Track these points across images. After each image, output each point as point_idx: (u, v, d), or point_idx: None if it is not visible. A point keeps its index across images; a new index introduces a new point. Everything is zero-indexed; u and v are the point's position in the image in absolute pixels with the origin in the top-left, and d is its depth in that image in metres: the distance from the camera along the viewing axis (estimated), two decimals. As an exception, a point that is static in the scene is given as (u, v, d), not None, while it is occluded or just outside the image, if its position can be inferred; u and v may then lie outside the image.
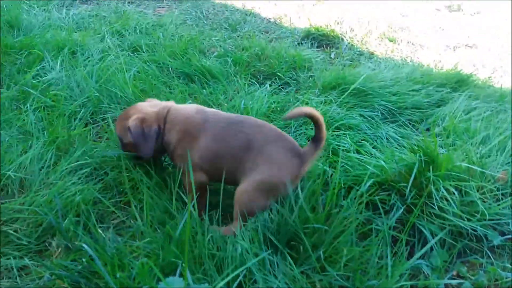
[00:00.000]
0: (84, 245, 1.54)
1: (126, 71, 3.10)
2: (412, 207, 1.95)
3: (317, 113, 1.86)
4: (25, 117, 2.54)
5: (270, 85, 3.30)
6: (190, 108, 2.09)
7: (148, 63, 3.39)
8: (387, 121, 2.87)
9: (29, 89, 2.78)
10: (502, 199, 2.06)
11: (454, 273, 1.86)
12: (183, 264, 1.40)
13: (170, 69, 3.37)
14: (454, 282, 1.78)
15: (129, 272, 1.50)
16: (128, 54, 3.57)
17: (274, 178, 1.85)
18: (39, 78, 3.03)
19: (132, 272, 1.51)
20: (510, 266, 1.86)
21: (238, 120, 1.99)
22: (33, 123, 2.48)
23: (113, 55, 3.43)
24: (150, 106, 2.09)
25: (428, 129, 2.81)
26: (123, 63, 3.18)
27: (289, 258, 1.65)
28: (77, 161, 2.21)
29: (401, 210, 1.92)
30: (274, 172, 1.86)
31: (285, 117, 2.01)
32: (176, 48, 3.63)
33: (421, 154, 2.06)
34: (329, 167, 2.21)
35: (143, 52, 3.64)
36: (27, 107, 2.64)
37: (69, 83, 2.93)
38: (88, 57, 3.42)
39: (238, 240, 1.64)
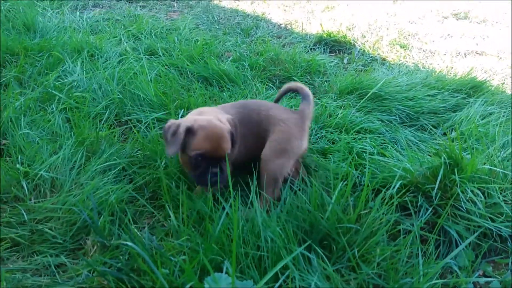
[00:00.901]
0: (126, 242, 1.58)
1: (146, 74, 3.15)
2: (438, 208, 2.00)
3: (294, 84, 2.38)
4: (51, 118, 2.57)
5: (287, 89, 3.35)
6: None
7: (167, 67, 3.44)
8: (405, 125, 2.92)
9: (53, 91, 2.81)
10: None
11: (480, 272, 1.90)
12: (228, 261, 1.43)
13: (188, 73, 3.41)
14: (482, 280, 1.82)
15: (172, 269, 1.53)
16: (146, 57, 3.61)
17: (286, 134, 2.11)
18: (61, 80, 3.07)
19: (174, 269, 1.54)
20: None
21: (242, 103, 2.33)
22: (59, 124, 2.52)
23: (132, 58, 3.47)
24: None
25: (444, 134, 2.86)
26: (144, 66, 3.22)
27: (323, 256, 1.69)
28: (106, 162, 2.24)
29: (429, 212, 1.96)
30: (284, 129, 2.13)
31: (275, 100, 2.51)
32: (193, 52, 3.67)
33: (445, 157, 2.11)
34: (355, 169, 2.25)
35: (160, 55, 3.69)
36: (52, 109, 2.68)
37: (91, 85, 2.96)
38: (107, 60, 3.47)
39: (274, 238, 1.67)
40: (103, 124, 2.62)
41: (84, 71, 3.18)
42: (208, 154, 1.86)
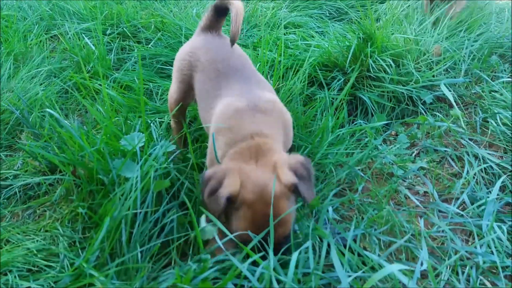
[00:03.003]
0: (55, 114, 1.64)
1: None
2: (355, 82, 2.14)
3: None
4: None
5: None
6: None
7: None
8: (335, 20, 3.01)
9: (-22, 12, 2.78)
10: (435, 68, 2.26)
11: (393, 132, 2.07)
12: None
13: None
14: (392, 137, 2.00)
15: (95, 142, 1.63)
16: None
17: None
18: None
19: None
20: (442, 117, 2.06)
21: None
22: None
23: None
24: None
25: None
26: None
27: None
28: (37, 68, 2.28)
29: (342, 80, 2.10)
30: None
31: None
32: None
33: (360, 33, 2.23)
34: (278, 56, 2.35)
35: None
36: (-21, 28, 2.66)
37: (20, 5, 2.93)
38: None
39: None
40: (33, 37, 2.63)
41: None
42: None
